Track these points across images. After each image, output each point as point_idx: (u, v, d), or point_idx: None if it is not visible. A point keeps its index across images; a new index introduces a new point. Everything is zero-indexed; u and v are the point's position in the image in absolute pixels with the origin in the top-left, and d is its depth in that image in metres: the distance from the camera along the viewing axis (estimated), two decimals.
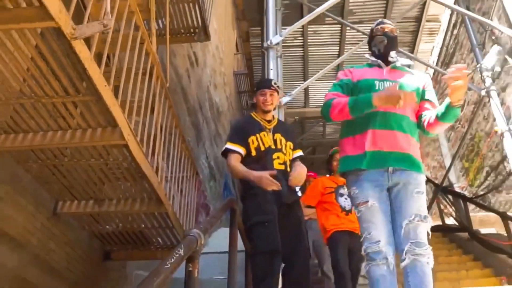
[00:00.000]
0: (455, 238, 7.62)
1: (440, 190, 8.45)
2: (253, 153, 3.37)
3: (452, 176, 9.81)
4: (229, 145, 3.44)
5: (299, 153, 3.60)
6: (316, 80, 6.62)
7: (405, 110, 2.71)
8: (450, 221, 8.52)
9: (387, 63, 2.92)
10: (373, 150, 2.65)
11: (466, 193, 8.87)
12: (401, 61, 2.96)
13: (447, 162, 9.97)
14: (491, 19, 7.07)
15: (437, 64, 10.24)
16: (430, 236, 2.63)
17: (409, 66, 3.15)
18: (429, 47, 10.76)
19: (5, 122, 3.22)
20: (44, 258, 3.95)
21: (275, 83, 3.62)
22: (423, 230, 2.48)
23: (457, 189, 9.22)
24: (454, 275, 5.69)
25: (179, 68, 7.26)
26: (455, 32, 9.53)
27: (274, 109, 3.74)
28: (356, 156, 2.70)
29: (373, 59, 2.96)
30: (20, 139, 3.27)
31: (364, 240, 2.54)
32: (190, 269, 2.30)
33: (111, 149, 3.46)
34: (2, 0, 2.35)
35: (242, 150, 3.38)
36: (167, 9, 4.80)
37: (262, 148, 3.39)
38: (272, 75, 4.79)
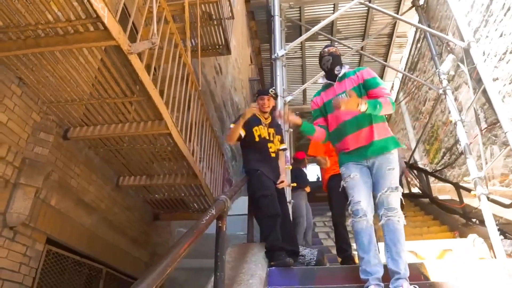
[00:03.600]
0: (419, 202, 7.55)
1: (408, 166, 8.35)
2: (257, 139, 3.38)
3: (416, 156, 9.71)
4: (232, 126, 3.43)
5: (284, 146, 3.62)
6: (312, 83, 6.54)
7: (353, 112, 2.59)
8: (415, 190, 8.46)
9: (335, 77, 2.79)
10: (354, 148, 2.61)
11: (427, 168, 8.78)
12: (343, 70, 2.79)
13: (413, 145, 9.86)
14: (447, 34, 6.93)
15: (405, 70, 10.07)
16: (404, 202, 2.61)
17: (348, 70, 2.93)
18: (399, 57, 10.56)
19: (80, 118, 3.26)
20: (111, 219, 4.01)
21: (271, 91, 3.62)
22: (394, 198, 2.42)
23: (421, 166, 9.12)
24: (418, 231, 5.67)
25: (207, 76, 7.24)
26: (418, 45, 9.35)
27: (273, 110, 3.74)
28: (346, 152, 2.65)
29: (325, 81, 2.85)
30: (91, 130, 3.31)
31: (350, 203, 2.52)
32: (220, 225, 2.26)
33: (158, 137, 3.48)
34: (75, 25, 2.36)
35: (242, 132, 3.37)
36: (198, 31, 4.78)
37: (262, 136, 3.43)
38: (279, 80, 4.75)
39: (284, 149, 3.65)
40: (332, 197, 3.81)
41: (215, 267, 2.16)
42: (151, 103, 2.97)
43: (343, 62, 2.89)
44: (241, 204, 4.76)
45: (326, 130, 2.80)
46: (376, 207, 2.50)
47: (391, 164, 2.51)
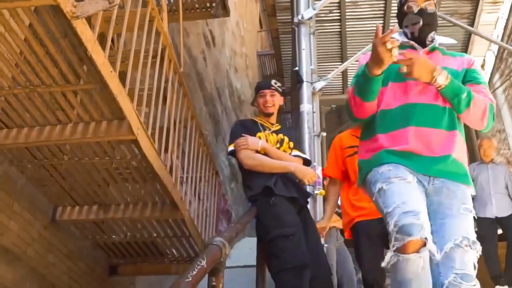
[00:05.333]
0: None
1: None
2: (262, 151, 3.48)
3: None
4: None
5: (297, 152, 3.75)
6: (356, 61, 6.60)
7: (439, 95, 2.50)
8: None
9: (423, 44, 2.67)
10: (415, 151, 2.44)
11: None
12: (440, 40, 2.71)
13: None
14: None
15: (502, 39, 10.08)
16: (476, 270, 2.34)
17: (450, 46, 2.93)
18: (493, 18, 10.59)
19: None
20: (43, 273, 4.05)
21: (275, 83, 3.76)
22: (471, 259, 2.22)
23: None
24: None
25: (193, 49, 7.34)
26: None
27: (278, 113, 3.83)
28: (397, 152, 2.46)
29: (404, 39, 2.69)
30: (14, 135, 3.37)
31: (392, 213, 2.20)
32: (214, 283, 2.34)
33: (118, 146, 3.55)
34: None
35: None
36: None
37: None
38: (304, 56, 4.80)
39: (306, 161, 3.79)
40: (361, 244, 3.72)
41: None
42: (107, 93, 3.01)
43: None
44: (245, 250, 4.77)
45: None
46: (434, 269, 2.24)
47: (469, 204, 2.39)
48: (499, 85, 10.92)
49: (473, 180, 6.59)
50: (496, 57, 11.26)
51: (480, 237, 6.57)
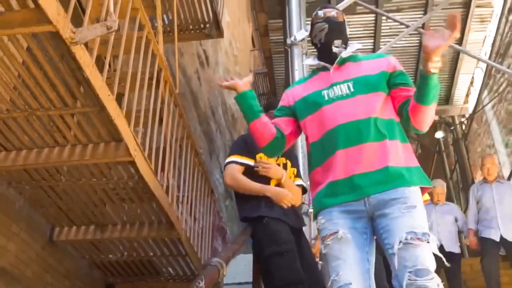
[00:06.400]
0: None
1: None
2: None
3: None
4: (236, 158, 3.56)
5: (299, 181, 3.77)
6: None
7: (370, 109, 2.44)
8: None
9: (333, 59, 2.63)
10: (346, 176, 2.41)
11: None
12: (349, 48, 2.65)
13: (506, 172, 9.89)
14: None
15: (490, 57, 10.20)
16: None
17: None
18: (480, 37, 10.71)
19: None
20: None
21: None
22: (424, 251, 2.14)
23: None
24: None
25: (187, 69, 7.37)
26: (511, 18, 9.51)
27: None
28: (327, 192, 2.46)
29: (315, 62, 2.71)
30: (12, 157, 3.39)
31: (332, 285, 2.29)
32: None
33: (115, 167, 3.56)
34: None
35: (251, 162, 3.52)
36: (174, 2, 4.91)
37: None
38: (297, 76, 4.87)
39: (303, 188, 3.82)
40: None
41: None
42: (105, 115, 3.04)
43: (353, 36, 2.84)
44: (240, 266, 4.77)
45: (279, 136, 2.67)
46: (393, 274, 2.25)
47: (410, 201, 2.28)
48: (488, 102, 11.03)
49: (477, 202, 6.64)
50: (485, 74, 11.38)
51: (482, 255, 6.32)
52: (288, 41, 5.02)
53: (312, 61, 2.72)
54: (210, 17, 6.19)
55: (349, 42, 2.72)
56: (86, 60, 2.70)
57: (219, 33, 6.36)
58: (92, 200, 3.95)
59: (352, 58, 2.63)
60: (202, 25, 6.31)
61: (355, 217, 2.34)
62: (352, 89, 2.46)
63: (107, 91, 2.94)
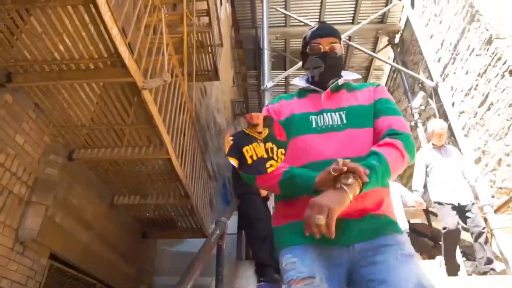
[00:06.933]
0: None
1: None
2: (249, 161, 3.70)
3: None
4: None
5: None
6: None
7: (361, 148, 1.38)
8: None
9: (325, 88, 1.56)
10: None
11: None
12: (345, 76, 1.60)
13: None
14: (419, 69, 7.61)
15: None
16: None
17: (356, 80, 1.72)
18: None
19: (85, 140, 3.54)
20: (104, 236, 4.24)
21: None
22: None
23: None
24: None
25: (194, 98, 7.58)
26: (394, 76, 10.05)
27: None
28: (295, 226, 1.32)
29: (304, 85, 1.60)
30: (95, 152, 3.57)
31: None
32: (220, 243, 2.58)
33: (157, 161, 3.80)
34: (96, 62, 2.70)
35: (234, 162, 3.68)
36: (194, 60, 5.17)
37: (258, 156, 3.73)
38: None
39: None
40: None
41: (216, 281, 2.49)
42: (155, 130, 3.29)
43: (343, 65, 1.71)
44: (231, 224, 5.06)
45: None
46: None
47: (407, 249, 1.30)
48: None
49: (427, 167, 4.46)
50: None
51: (441, 219, 4.12)
52: (262, 88, 5.28)
53: (301, 82, 1.64)
54: (212, 67, 6.44)
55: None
56: (149, 99, 2.95)
57: (217, 77, 6.59)
58: (141, 180, 4.16)
59: (346, 85, 1.60)
60: (206, 72, 6.56)
61: (332, 264, 1.28)
62: (344, 121, 1.45)
63: (159, 117, 3.20)
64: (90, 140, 3.54)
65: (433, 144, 4.68)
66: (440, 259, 4.57)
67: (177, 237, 5.41)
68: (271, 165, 1.57)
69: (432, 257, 5.25)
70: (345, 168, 1.19)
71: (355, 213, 1.33)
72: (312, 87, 1.59)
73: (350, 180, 1.18)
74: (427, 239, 6.17)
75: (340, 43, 1.63)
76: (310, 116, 1.51)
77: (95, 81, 2.81)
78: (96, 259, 4.03)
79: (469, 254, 4.48)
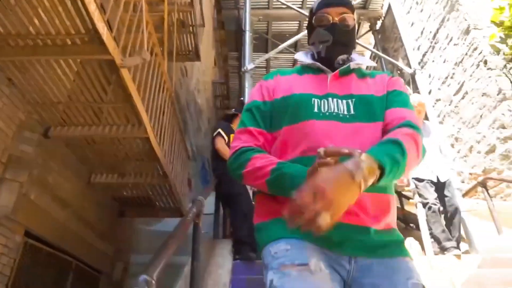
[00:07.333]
0: None
1: None
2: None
3: None
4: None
5: None
6: None
7: (370, 145, 1.09)
8: None
9: (333, 66, 1.32)
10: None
11: None
12: (357, 59, 1.34)
13: None
14: (399, 55, 7.72)
15: None
16: None
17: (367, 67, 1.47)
18: None
19: (61, 117, 3.48)
20: (81, 214, 4.22)
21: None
22: None
23: None
24: None
25: (174, 77, 7.50)
26: (374, 62, 10.16)
27: None
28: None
29: (309, 61, 1.35)
30: (72, 130, 3.51)
31: None
32: (197, 221, 2.59)
33: (135, 140, 3.78)
34: (74, 38, 2.64)
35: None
36: (175, 40, 5.10)
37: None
38: (247, 91, 5.16)
39: None
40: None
41: (192, 258, 2.53)
42: (134, 109, 3.27)
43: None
44: (207, 204, 5.12)
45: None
46: None
47: (416, 277, 1.09)
48: None
49: None
50: None
51: (420, 195, 3.98)
52: (243, 69, 5.28)
53: (305, 58, 1.39)
54: (193, 48, 6.36)
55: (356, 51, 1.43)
56: (127, 77, 2.92)
57: (198, 58, 6.52)
58: (118, 159, 4.12)
59: (357, 70, 1.33)
60: (187, 52, 6.48)
61: (331, 263, 1.07)
62: (352, 111, 1.20)
63: (138, 96, 3.18)
64: (67, 118, 3.49)
65: None
66: (410, 240, 4.75)
67: (155, 216, 5.42)
68: (256, 157, 1.19)
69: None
70: (332, 162, 0.91)
71: (361, 220, 1.09)
72: (318, 64, 1.33)
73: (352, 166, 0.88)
74: (399, 221, 6.39)
75: (353, 14, 1.36)
76: (313, 99, 1.23)
77: (72, 58, 2.76)
78: (73, 237, 4.03)
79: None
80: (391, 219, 1.17)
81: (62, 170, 3.79)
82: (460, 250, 3.70)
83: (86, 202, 4.34)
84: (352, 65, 1.31)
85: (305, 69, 1.36)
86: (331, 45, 1.31)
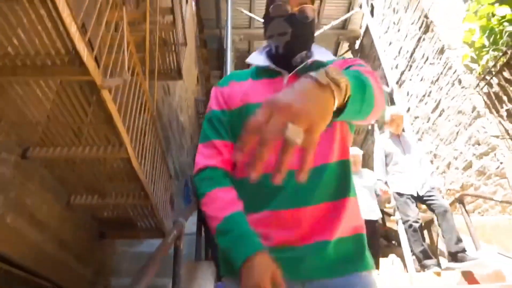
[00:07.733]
0: None
1: None
2: None
3: None
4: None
5: None
6: None
7: (328, 154, 1.08)
8: None
9: (290, 65, 1.20)
10: (280, 243, 1.01)
11: None
12: (316, 55, 1.23)
13: None
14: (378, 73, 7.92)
15: None
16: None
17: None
18: None
19: (40, 138, 3.42)
20: (60, 236, 4.10)
21: None
22: None
23: None
24: None
25: (156, 95, 7.49)
26: None
27: None
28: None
29: (264, 64, 1.22)
30: (51, 151, 3.45)
31: None
32: (178, 244, 2.59)
33: (116, 160, 3.74)
34: (53, 59, 2.63)
35: None
36: (157, 59, 5.10)
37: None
38: None
39: None
40: None
41: (173, 282, 2.50)
42: (115, 130, 3.24)
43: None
44: (189, 224, 5.05)
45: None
46: None
47: None
48: None
49: (386, 156, 4.27)
50: None
51: (401, 210, 4.04)
52: None
53: (259, 59, 1.25)
54: (175, 66, 6.39)
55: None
56: (108, 98, 2.90)
57: (180, 77, 6.54)
58: (99, 180, 4.05)
59: (315, 66, 1.15)
60: (169, 71, 6.50)
61: None
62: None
63: (118, 116, 3.16)
64: (46, 138, 3.43)
65: (390, 132, 4.48)
66: (392, 257, 4.78)
67: (137, 237, 5.31)
68: (213, 197, 1.10)
69: (385, 255, 5.50)
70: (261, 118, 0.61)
71: (320, 236, 0.96)
72: (273, 66, 1.20)
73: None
74: (382, 238, 6.44)
75: (313, 5, 1.22)
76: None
77: (52, 79, 2.74)
78: (50, 261, 3.91)
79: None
80: (350, 225, 1.05)
81: (40, 192, 3.70)
82: (440, 267, 3.74)
83: (65, 224, 4.23)
84: (310, 62, 1.20)
85: (260, 72, 1.24)
86: (290, 41, 1.19)
